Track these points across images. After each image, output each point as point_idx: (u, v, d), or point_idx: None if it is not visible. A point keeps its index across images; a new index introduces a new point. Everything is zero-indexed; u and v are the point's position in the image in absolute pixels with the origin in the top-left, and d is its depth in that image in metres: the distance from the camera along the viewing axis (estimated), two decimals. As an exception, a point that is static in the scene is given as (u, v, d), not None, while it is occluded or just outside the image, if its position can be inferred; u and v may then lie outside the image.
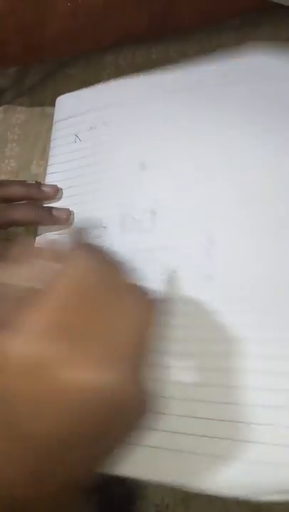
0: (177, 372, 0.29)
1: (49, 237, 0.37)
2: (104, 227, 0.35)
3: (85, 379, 0.16)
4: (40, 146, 0.42)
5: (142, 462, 0.26)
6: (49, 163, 0.39)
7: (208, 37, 0.42)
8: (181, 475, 0.26)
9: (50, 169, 0.39)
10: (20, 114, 0.45)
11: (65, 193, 0.37)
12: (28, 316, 0.16)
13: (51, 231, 0.36)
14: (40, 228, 0.37)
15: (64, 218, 0.36)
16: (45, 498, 0.16)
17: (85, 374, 0.16)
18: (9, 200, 0.36)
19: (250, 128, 0.34)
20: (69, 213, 0.36)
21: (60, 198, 0.37)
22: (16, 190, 0.36)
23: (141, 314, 0.19)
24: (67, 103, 0.41)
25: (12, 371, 0.15)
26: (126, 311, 0.19)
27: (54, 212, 0.36)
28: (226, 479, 0.26)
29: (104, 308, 0.18)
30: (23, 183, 0.38)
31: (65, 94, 0.41)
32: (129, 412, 0.18)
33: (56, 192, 0.37)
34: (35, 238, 0.37)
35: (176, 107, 0.37)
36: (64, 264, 0.18)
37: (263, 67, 0.36)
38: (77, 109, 0.40)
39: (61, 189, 0.38)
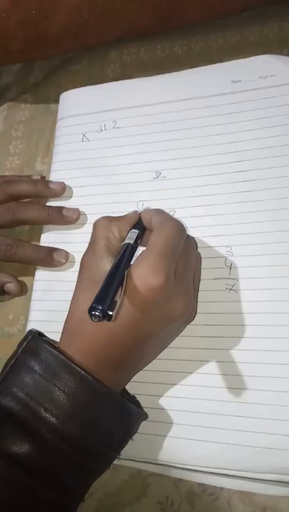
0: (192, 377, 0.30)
1: (54, 235, 0.37)
2: None
3: (182, 306, 0.27)
4: (44, 143, 0.42)
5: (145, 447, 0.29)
6: (54, 160, 0.39)
7: (214, 33, 0.41)
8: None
9: (55, 166, 0.39)
10: (24, 111, 0.45)
11: (73, 192, 0.37)
12: (153, 262, 0.25)
13: (57, 229, 0.37)
14: (46, 226, 0.37)
15: (74, 218, 0.36)
16: None
17: (182, 303, 0.27)
18: (17, 198, 0.37)
19: (265, 138, 0.34)
20: (79, 213, 0.36)
21: (70, 196, 0.37)
22: (24, 188, 0.36)
23: (199, 260, 0.32)
24: (72, 100, 0.41)
25: (151, 297, 0.25)
26: (196, 259, 0.31)
27: (64, 212, 0.36)
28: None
29: (189, 257, 0.29)
30: (30, 179, 0.38)
31: (69, 91, 0.41)
32: (186, 323, 0.30)
33: (63, 189, 0.37)
34: (40, 235, 0.37)
35: (187, 114, 0.37)
36: (159, 227, 0.28)
37: (271, 73, 0.36)
38: (84, 108, 0.40)
39: (70, 188, 0.37)
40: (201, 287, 0.31)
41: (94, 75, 0.43)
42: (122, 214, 0.35)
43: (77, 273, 0.34)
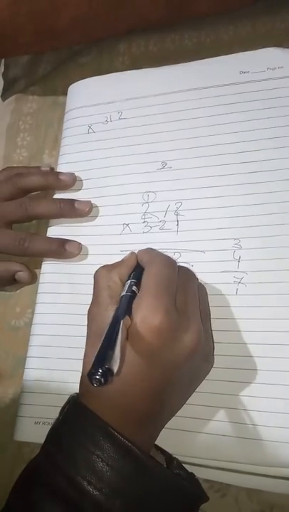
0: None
1: (61, 228, 0.36)
2: (126, 224, 0.34)
3: (192, 340, 0.25)
4: (52, 135, 0.42)
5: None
6: (61, 153, 0.39)
7: (224, 25, 0.41)
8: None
9: (62, 159, 0.38)
10: (32, 103, 0.44)
11: (81, 184, 0.37)
12: (149, 303, 0.25)
13: (63, 222, 0.36)
14: (52, 219, 0.37)
15: (86, 211, 0.35)
16: None
17: (191, 337, 0.25)
18: (28, 191, 0.36)
19: (273, 128, 0.33)
20: (91, 206, 0.36)
21: (80, 189, 0.37)
22: (35, 181, 0.36)
23: (202, 290, 0.30)
24: (79, 92, 0.40)
25: (155, 337, 0.24)
26: (199, 289, 0.29)
27: (76, 205, 0.35)
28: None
29: (188, 289, 0.28)
30: (40, 171, 0.37)
31: (77, 82, 0.41)
32: (204, 360, 0.28)
33: (74, 180, 0.37)
34: (47, 228, 0.37)
35: (194, 104, 0.36)
36: (148, 266, 0.27)
37: (280, 65, 0.35)
38: (90, 99, 0.39)
39: (80, 180, 0.37)
40: (209, 280, 0.31)
41: (102, 68, 0.43)
42: (132, 207, 0.35)
43: (84, 266, 0.34)
